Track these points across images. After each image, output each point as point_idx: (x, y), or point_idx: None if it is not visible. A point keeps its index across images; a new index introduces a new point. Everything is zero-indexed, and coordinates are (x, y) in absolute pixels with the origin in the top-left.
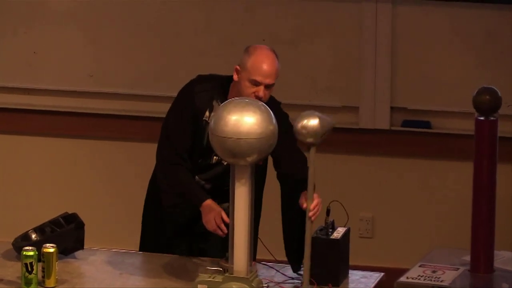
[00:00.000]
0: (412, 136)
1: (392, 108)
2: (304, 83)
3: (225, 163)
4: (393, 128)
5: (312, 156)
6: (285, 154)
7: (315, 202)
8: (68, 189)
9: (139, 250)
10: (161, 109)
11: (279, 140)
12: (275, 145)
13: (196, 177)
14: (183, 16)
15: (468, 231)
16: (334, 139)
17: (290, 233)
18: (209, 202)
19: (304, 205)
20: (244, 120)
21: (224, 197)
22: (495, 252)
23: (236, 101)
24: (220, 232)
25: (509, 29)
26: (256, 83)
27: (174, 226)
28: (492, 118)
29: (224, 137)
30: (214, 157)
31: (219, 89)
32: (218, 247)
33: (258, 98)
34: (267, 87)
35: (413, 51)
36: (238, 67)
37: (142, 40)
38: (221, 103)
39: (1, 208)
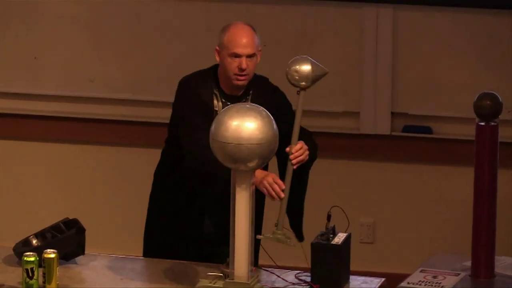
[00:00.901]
0: (413, 141)
1: (393, 113)
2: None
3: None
4: (394, 133)
5: (300, 101)
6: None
7: (298, 145)
8: (69, 194)
9: (143, 255)
10: (163, 114)
11: (286, 120)
12: (276, 150)
13: None
14: (185, 21)
15: (469, 236)
16: (335, 144)
17: (293, 204)
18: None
19: (287, 149)
20: (245, 126)
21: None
22: (496, 257)
23: (237, 107)
24: (274, 194)
25: (510, 34)
26: (236, 55)
27: (180, 229)
28: (493, 124)
29: (225, 142)
30: None
31: (210, 78)
32: (225, 251)
33: (242, 70)
34: (249, 57)
35: (414, 56)
36: (217, 47)
37: (143, 45)
38: (219, 91)
39: (2, 213)
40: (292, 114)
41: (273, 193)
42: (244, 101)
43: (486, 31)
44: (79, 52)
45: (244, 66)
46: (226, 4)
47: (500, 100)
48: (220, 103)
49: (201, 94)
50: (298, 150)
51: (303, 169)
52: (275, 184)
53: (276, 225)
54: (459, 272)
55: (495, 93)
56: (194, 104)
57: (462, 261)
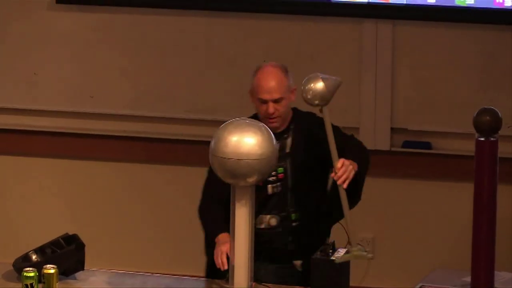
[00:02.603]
0: (412, 157)
1: (392, 129)
2: (304, 103)
3: (277, 189)
4: (393, 149)
5: (326, 118)
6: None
7: (338, 164)
8: (69, 210)
9: (206, 276)
10: (162, 130)
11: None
12: (275, 166)
13: (260, 216)
14: (185, 38)
15: (468, 251)
16: None
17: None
18: (224, 235)
19: (332, 175)
20: (244, 141)
21: (295, 234)
22: (496, 272)
23: (237, 122)
24: (218, 262)
25: (510, 50)
26: (263, 101)
27: None
28: (492, 139)
29: (224, 158)
30: (270, 187)
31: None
32: (270, 276)
33: (270, 114)
34: (277, 102)
35: (414, 72)
36: (249, 91)
37: (143, 61)
38: None
39: (1, 229)
40: (341, 132)
41: (218, 261)
42: (286, 137)
43: (485, 46)
44: (79, 68)
45: (270, 111)
46: (226, 20)
47: (500, 115)
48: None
49: None
50: (339, 169)
51: (357, 181)
52: (224, 256)
53: (350, 243)
54: None
55: (494, 108)
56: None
57: (462, 276)
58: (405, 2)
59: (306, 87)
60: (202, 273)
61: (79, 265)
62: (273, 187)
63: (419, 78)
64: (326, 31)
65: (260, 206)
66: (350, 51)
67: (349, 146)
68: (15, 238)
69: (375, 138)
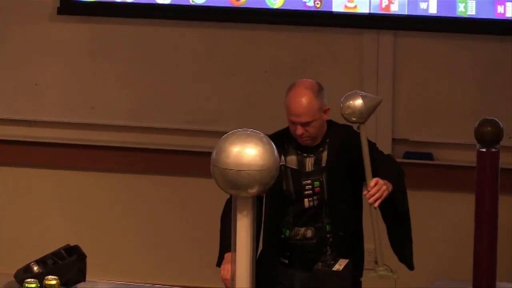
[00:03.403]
0: (414, 167)
1: (393, 139)
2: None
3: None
4: None
5: (362, 135)
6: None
7: (371, 183)
8: (70, 221)
9: None
10: (163, 141)
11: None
12: (276, 176)
13: (295, 228)
14: (185, 48)
15: (470, 262)
16: None
17: (395, 237)
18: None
19: (365, 192)
20: (246, 152)
21: (329, 245)
22: (497, 283)
23: (238, 133)
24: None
25: (511, 60)
26: (292, 122)
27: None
28: (493, 150)
29: (226, 168)
30: (306, 200)
31: (284, 134)
32: (305, 283)
33: (299, 135)
34: (305, 124)
35: (415, 83)
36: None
37: (144, 72)
38: (295, 144)
39: (3, 240)
40: (379, 153)
41: (224, 278)
42: (321, 150)
43: (486, 57)
44: (80, 79)
45: (298, 133)
46: (227, 31)
47: (501, 126)
48: (294, 157)
49: None
50: (372, 188)
51: (392, 202)
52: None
53: (376, 263)
54: None
55: (495, 119)
56: None
57: (463, 287)
58: (406, 13)
59: (345, 104)
60: (202, 284)
61: (81, 276)
62: (309, 201)
63: (420, 89)
64: (327, 42)
65: (296, 218)
66: (351, 62)
67: (385, 166)
68: (17, 249)
69: None
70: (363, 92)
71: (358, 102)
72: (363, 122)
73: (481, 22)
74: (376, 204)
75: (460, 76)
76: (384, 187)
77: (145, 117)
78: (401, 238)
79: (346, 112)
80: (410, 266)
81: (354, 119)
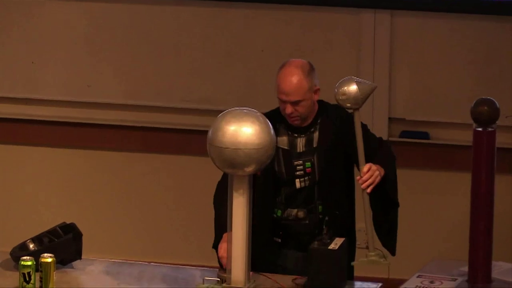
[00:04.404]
0: (410, 147)
1: (390, 119)
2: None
3: (302, 183)
4: (391, 139)
5: (357, 121)
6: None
7: (364, 168)
8: (66, 199)
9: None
10: (159, 119)
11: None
12: (273, 155)
13: (288, 209)
14: (182, 27)
15: (466, 241)
16: None
17: (382, 223)
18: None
19: (358, 178)
20: (242, 131)
21: (321, 226)
22: (493, 262)
23: (235, 112)
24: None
25: (509, 41)
26: (281, 100)
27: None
28: (490, 129)
29: (222, 147)
30: (298, 181)
31: (278, 113)
32: (298, 262)
33: (288, 114)
34: (295, 103)
35: (412, 62)
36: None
37: (140, 50)
38: (285, 125)
39: None
40: (370, 135)
41: (220, 255)
42: (312, 131)
43: (483, 36)
44: (76, 57)
45: (288, 111)
46: (223, 11)
47: (497, 105)
48: (285, 137)
49: None
50: (365, 174)
51: (383, 187)
52: (222, 252)
53: (368, 248)
54: (456, 278)
55: (492, 99)
56: None
57: (459, 266)
58: None
59: (340, 90)
60: (199, 262)
61: (77, 254)
62: (300, 182)
63: (417, 68)
64: (324, 21)
65: (288, 199)
66: (348, 41)
67: (378, 150)
68: (13, 226)
69: (373, 128)
70: (358, 78)
71: (353, 88)
72: (358, 109)
73: (480, 2)
74: (369, 190)
75: (457, 55)
76: (377, 172)
77: (141, 95)
78: (387, 223)
79: (341, 98)
80: (393, 252)
81: (348, 105)
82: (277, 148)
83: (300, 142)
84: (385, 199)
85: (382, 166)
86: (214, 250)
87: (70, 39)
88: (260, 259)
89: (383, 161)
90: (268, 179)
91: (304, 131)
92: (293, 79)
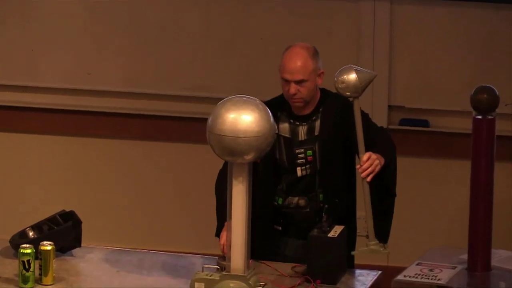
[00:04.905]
0: (410, 134)
1: (390, 106)
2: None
3: (303, 172)
4: (390, 126)
5: (356, 109)
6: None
7: (364, 157)
8: (65, 187)
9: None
10: (159, 107)
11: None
12: (272, 143)
13: (289, 197)
14: (182, 15)
15: (466, 229)
16: None
17: (378, 211)
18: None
19: (357, 166)
20: (242, 118)
21: (322, 214)
22: (493, 250)
23: (234, 99)
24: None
25: (508, 29)
26: (286, 81)
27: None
28: (489, 117)
29: (222, 135)
30: (299, 169)
31: (278, 102)
32: (299, 250)
33: (292, 95)
34: (299, 83)
35: (411, 50)
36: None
37: (140, 38)
38: (287, 113)
39: None
40: (371, 124)
41: (221, 244)
42: (314, 119)
43: (483, 25)
44: (77, 45)
45: (291, 91)
46: None
47: (497, 93)
48: (287, 125)
49: None
50: (365, 162)
51: (382, 176)
52: (223, 240)
53: (368, 237)
54: (455, 266)
55: (492, 86)
56: None
57: (459, 254)
58: None
59: (339, 78)
60: (199, 250)
61: (76, 242)
62: (302, 170)
63: (416, 56)
64: (324, 10)
65: (289, 188)
66: (348, 29)
67: (378, 139)
68: (12, 214)
69: (373, 116)
70: (357, 67)
71: (352, 76)
72: (357, 97)
73: None
74: (369, 179)
75: (457, 43)
76: (377, 161)
77: (141, 83)
78: (383, 211)
79: (340, 87)
80: (385, 241)
81: (348, 93)
82: (279, 136)
83: (302, 130)
84: (383, 188)
85: (382, 155)
86: (215, 238)
87: (70, 27)
88: (261, 247)
89: (384, 150)
90: (269, 167)
91: (305, 119)
92: (299, 58)
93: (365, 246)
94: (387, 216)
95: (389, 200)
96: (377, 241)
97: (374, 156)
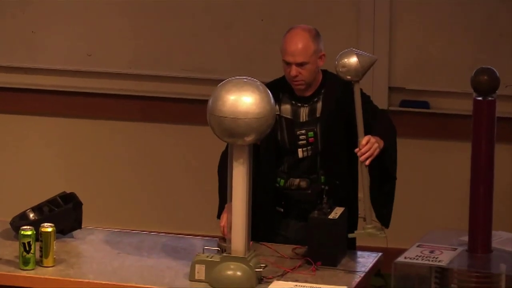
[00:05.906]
0: (410, 116)
1: (390, 88)
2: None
3: (306, 153)
4: (391, 108)
5: (356, 93)
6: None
7: (363, 141)
8: (66, 169)
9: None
10: (159, 89)
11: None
12: (273, 125)
13: (291, 179)
14: None
15: (466, 211)
16: None
17: (377, 195)
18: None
19: (356, 150)
20: (242, 100)
21: (323, 195)
22: (493, 232)
23: (235, 81)
24: (221, 226)
25: (509, 11)
26: (287, 63)
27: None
28: (490, 99)
29: (222, 116)
30: (300, 150)
31: (280, 83)
32: (300, 232)
33: (293, 77)
34: (300, 65)
35: (412, 31)
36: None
37: (141, 19)
38: (289, 94)
39: None
40: (373, 107)
41: (221, 226)
42: (316, 100)
43: (484, 6)
44: (77, 27)
45: (292, 74)
46: None
47: (498, 75)
48: (288, 106)
49: None
50: (364, 146)
51: (381, 159)
52: (223, 222)
53: (365, 220)
54: (456, 247)
55: (492, 68)
56: None
57: (459, 236)
58: None
59: (340, 62)
60: (200, 232)
61: (77, 224)
62: (303, 151)
63: (417, 37)
64: None
65: (291, 169)
66: (348, 11)
67: (378, 122)
68: (13, 196)
69: (373, 97)
70: (358, 50)
71: (353, 60)
72: (358, 81)
73: None
74: (367, 162)
75: (457, 25)
76: (376, 145)
77: (142, 64)
78: (383, 195)
79: (341, 70)
80: (387, 225)
81: (349, 77)
82: (280, 117)
83: (303, 112)
84: (383, 172)
85: (382, 138)
86: (216, 220)
87: (70, 8)
88: (262, 229)
89: (383, 134)
90: (270, 148)
91: (307, 101)
92: (300, 40)
93: (362, 229)
94: (388, 199)
95: (390, 183)
96: (374, 225)
97: (373, 139)
